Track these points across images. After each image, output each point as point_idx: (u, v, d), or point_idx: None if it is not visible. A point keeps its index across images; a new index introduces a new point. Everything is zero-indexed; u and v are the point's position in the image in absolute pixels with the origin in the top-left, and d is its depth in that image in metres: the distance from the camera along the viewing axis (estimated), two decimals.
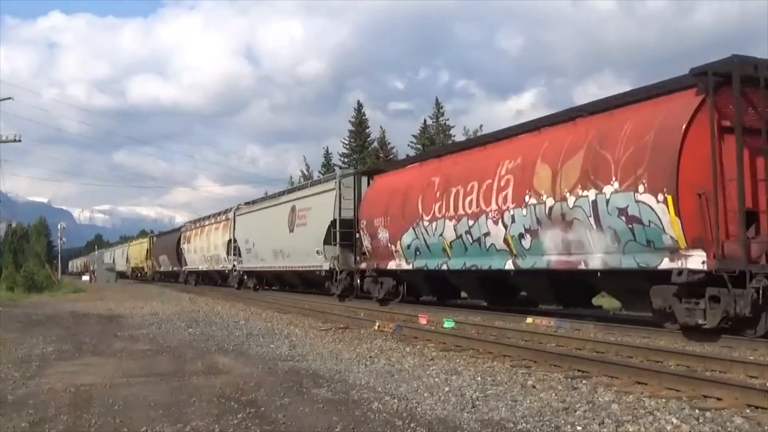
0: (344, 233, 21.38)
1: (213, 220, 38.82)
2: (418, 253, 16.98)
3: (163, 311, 18.25)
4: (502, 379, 7.30)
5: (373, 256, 19.22)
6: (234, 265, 33.27)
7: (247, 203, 34.65)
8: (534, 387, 6.80)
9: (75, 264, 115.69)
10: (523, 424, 5.30)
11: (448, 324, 12.91)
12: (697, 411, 5.56)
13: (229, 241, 33.93)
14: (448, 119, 54.94)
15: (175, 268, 48.18)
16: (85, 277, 65.42)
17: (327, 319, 14.99)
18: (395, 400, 6.19)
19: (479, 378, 7.35)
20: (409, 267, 17.50)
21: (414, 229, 16.85)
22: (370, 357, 9.09)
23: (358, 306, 18.68)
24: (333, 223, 21.81)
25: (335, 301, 21.04)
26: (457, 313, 15.36)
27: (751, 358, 8.44)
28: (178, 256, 46.49)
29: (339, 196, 21.78)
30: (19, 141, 34.68)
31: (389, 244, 18.16)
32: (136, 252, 65.77)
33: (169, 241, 51.22)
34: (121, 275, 69.94)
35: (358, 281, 20.81)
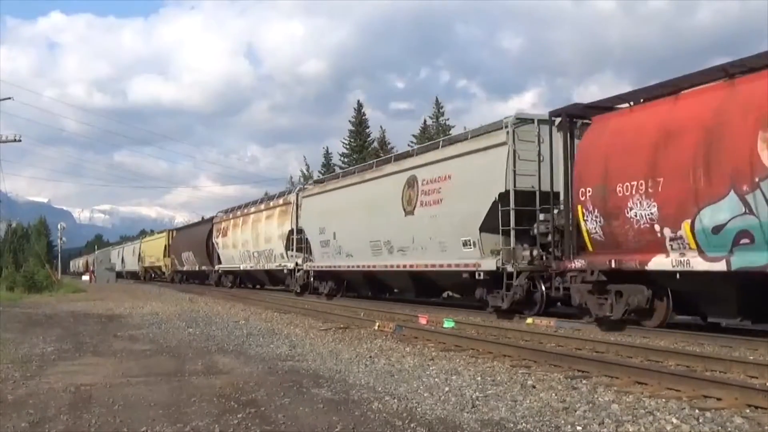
0: (522, 213, 14.08)
1: (263, 206, 30.56)
2: (743, 240, 9.49)
3: (163, 311, 18.24)
4: (502, 379, 7.30)
5: (607, 246, 11.80)
6: (297, 264, 25.50)
7: (317, 181, 27.32)
8: (534, 387, 6.80)
9: (77, 263, 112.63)
10: (523, 424, 5.30)
11: (448, 324, 12.91)
12: (697, 411, 5.56)
13: (290, 232, 26.11)
14: (448, 119, 55.06)
15: (204, 268, 40.19)
16: (85, 277, 65.28)
17: (327, 319, 14.99)
18: (395, 400, 6.19)
19: (479, 378, 7.35)
20: (713, 265, 9.98)
21: (739, 195, 9.48)
22: (370, 357, 9.09)
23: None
24: (502, 197, 14.06)
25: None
26: (457, 313, 15.37)
27: (751, 358, 8.45)
28: (209, 253, 38.56)
29: (513, 154, 13.94)
30: (19, 141, 34.71)
31: (658, 227, 10.71)
32: (152, 249, 57.17)
33: (195, 235, 42.77)
34: (133, 276, 64.19)
35: (554, 288, 13.28)
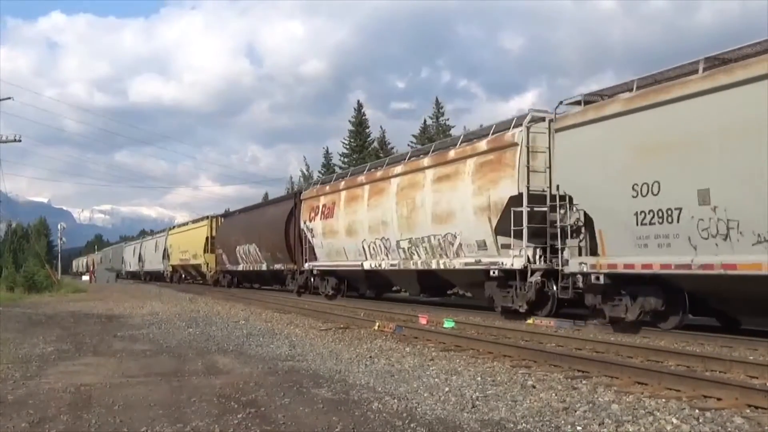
0: None
1: (426, 161, 17.23)
2: None
3: (163, 311, 18.25)
4: (502, 379, 7.31)
5: None
6: (529, 260, 13.67)
7: (597, 95, 12.25)
8: (534, 387, 6.80)
9: (80, 263, 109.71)
10: (523, 424, 5.30)
11: (448, 324, 12.91)
12: (697, 411, 5.57)
13: (511, 200, 13.94)
14: (448, 119, 55.12)
15: (279, 266, 27.46)
16: (85, 277, 65.24)
17: (327, 319, 14.98)
18: (395, 400, 6.19)
19: (479, 378, 7.35)
20: None
21: None
22: (370, 357, 9.09)
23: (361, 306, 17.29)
24: None
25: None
26: (457, 313, 15.36)
27: (751, 358, 8.45)
28: (290, 245, 26.32)
29: None
30: (19, 141, 34.70)
31: None
32: (185, 242, 43.25)
33: (264, 219, 29.80)
34: (157, 278, 52.70)
35: None
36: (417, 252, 17.49)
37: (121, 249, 75.04)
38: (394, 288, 22.49)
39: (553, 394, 6.40)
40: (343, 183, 22.05)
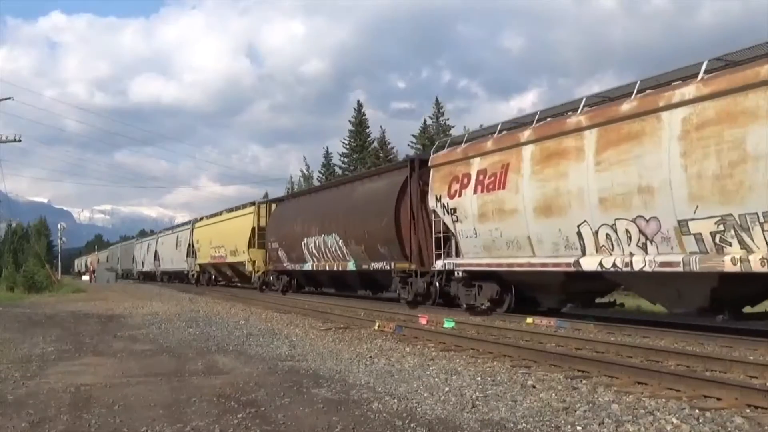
0: None
1: None
2: None
3: (163, 311, 18.25)
4: (502, 379, 7.30)
5: None
6: None
7: None
8: (534, 387, 6.80)
9: (81, 263, 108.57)
10: (523, 424, 5.30)
11: (448, 324, 12.91)
12: (697, 411, 5.57)
13: None
14: (448, 119, 55.07)
15: (379, 265, 19.62)
16: (85, 277, 65.20)
17: (327, 319, 14.98)
18: (395, 400, 6.19)
19: (479, 378, 7.35)
20: None
21: None
22: (370, 357, 9.09)
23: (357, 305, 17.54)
24: None
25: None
26: (457, 313, 15.36)
27: (751, 358, 8.45)
28: (401, 236, 18.39)
29: None
30: (19, 141, 34.72)
31: None
32: (219, 236, 34.57)
33: (353, 201, 21.67)
34: (176, 278, 45.02)
35: None
36: (740, 239, 9.33)
37: (131, 247, 65.94)
38: (598, 300, 14.50)
39: (553, 394, 6.40)
40: (528, 132, 13.46)
